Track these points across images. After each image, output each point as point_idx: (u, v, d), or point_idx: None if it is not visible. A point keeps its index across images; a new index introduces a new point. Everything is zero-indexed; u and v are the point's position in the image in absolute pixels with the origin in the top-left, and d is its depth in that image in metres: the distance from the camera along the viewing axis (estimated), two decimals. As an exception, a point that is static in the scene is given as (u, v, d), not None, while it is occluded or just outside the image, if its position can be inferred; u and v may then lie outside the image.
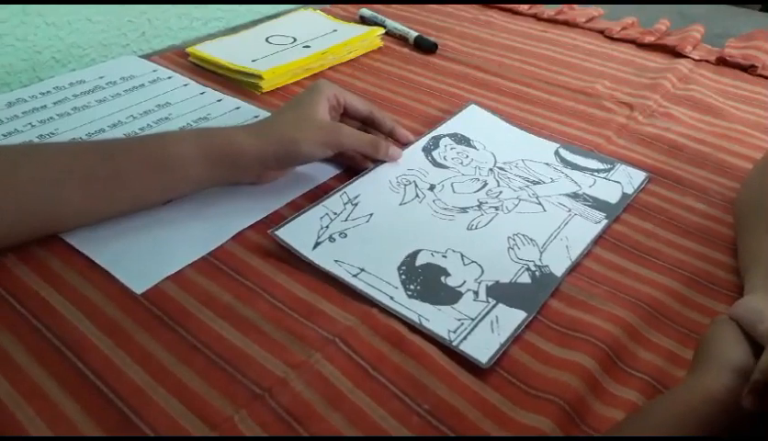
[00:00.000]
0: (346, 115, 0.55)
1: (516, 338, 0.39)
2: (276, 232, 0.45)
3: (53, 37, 0.71)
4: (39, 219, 0.43)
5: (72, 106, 0.62)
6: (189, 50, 0.71)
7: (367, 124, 0.56)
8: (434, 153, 0.56)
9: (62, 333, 0.38)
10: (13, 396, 0.34)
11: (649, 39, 0.79)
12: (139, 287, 0.41)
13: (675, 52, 0.76)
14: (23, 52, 0.69)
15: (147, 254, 0.44)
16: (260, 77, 0.65)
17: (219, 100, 0.64)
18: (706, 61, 0.75)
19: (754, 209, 0.45)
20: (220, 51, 0.71)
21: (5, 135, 0.57)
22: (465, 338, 0.39)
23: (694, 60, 0.75)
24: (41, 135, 0.57)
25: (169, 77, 0.68)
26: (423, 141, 0.57)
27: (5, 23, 0.66)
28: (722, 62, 0.75)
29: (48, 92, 0.64)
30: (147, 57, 0.73)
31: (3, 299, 0.40)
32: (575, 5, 0.89)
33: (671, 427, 0.29)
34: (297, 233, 0.46)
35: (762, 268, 0.39)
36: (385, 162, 0.54)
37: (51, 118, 0.60)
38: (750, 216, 0.45)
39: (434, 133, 0.58)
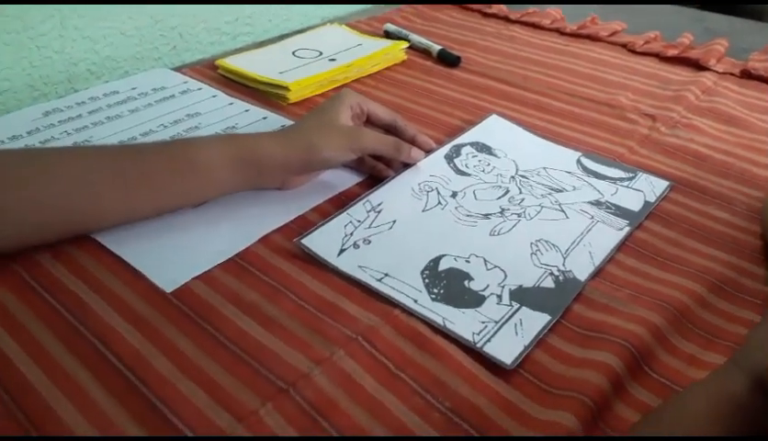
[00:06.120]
0: (369, 122, 0.56)
1: (538, 341, 0.39)
2: (301, 242, 0.46)
3: (89, 50, 0.73)
4: (73, 217, 0.44)
5: (105, 115, 0.64)
6: (218, 62, 0.73)
7: (390, 132, 0.57)
8: (456, 161, 0.56)
9: (93, 327, 0.39)
10: (47, 384, 0.35)
11: (673, 52, 0.79)
12: (168, 286, 0.42)
13: (699, 66, 0.77)
14: (60, 64, 0.72)
15: (176, 255, 0.45)
16: (287, 88, 0.67)
17: (246, 110, 0.66)
18: (730, 73, 0.75)
19: None
20: (248, 64, 0.72)
21: (41, 142, 0.59)
22: (489, 340, 0.39)
23: (717, 73, 0.75)
24: (76, 142, 0.59)
25: (199, 88, 0.70)
26: (445, 149, 0.58)
27: (45, 36, 0.69)
28: (746, 74, 0.75)
29: (83, 102, 0.67)
30: (178, 69, 0.75)
31: (39, 295, 0.42)
32: (597, 20, 0.90)
33: (697, 423, 0.29)
34: (321, 242, 0.46)
35: None
36: (407, 169, 0.54)
37: (86, 126, 0.62)
38: None
39: (455, 142, 0.59)
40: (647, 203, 0.52)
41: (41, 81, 0.71)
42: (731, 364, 0.31)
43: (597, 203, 0.51)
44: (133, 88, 0.70)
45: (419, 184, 0.53)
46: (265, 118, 0.65)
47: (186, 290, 0.42)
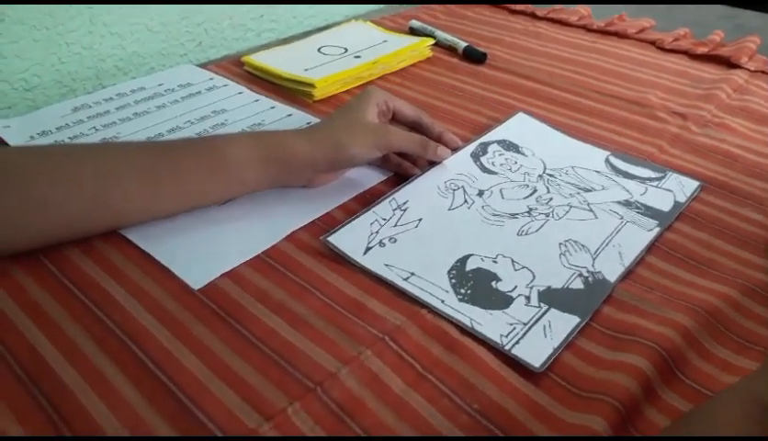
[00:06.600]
0: (395, 120, 0.56)
1: (567, 344, 0.39)
2: (327, 239, 0.46)
3: (116, 46, 0.74)
4: (102, 212, 0.45)
5: (133, 111, 0.65)
6: (245, 58, 0.74)
7: (416, 129, 0.56)
8: (483, 159, 0.56)
9: (123, 324, 0.39)
10: (79, 383, 0.35)
11: (703, 49, 0.78)
12: (196, 283, 0.43)
13: (730, 63, 0.75)
14: (88, 60, 0.72)
15: (204, 252, 0.45)
16: (312, 85, 0.67)
17: (272, 107, 0.66)
18: (762, 72, 0.74)
19: None
20: (274, 61, 0.73)
21: (70, 138, 0.59)
22: (517, 342, 0.38)
23: (749, 71, 0.74)
24: (104, 138, 0.59)
25: (225, 85, 0.71)
26: (472, 146, 0.57)
27: (74, 32, 0.70)
28: (780, 72, 0.73)
29: (111, 98, 0.67)
30: (203, 66, 0.76)
31: (69, 291, 0.42)
32: (625, 17, 0.89)
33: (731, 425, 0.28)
34: (347, 239, 0.46)
35: None
36: (432, 167, 0.54)
37: (114, 122, 0.63)
38: None
39: (482, 140, 0.59)
40: (677, 203, 0.51)
41: (70, 77, 0.71)
42: (763, 369, 0.31)
43: (626, 203, 0.51)
44: (160, 84, 0.70)
45: (445, 182, 0.53)
46: (290, 115, 0.65)
47: (213, 288, 0.42)
